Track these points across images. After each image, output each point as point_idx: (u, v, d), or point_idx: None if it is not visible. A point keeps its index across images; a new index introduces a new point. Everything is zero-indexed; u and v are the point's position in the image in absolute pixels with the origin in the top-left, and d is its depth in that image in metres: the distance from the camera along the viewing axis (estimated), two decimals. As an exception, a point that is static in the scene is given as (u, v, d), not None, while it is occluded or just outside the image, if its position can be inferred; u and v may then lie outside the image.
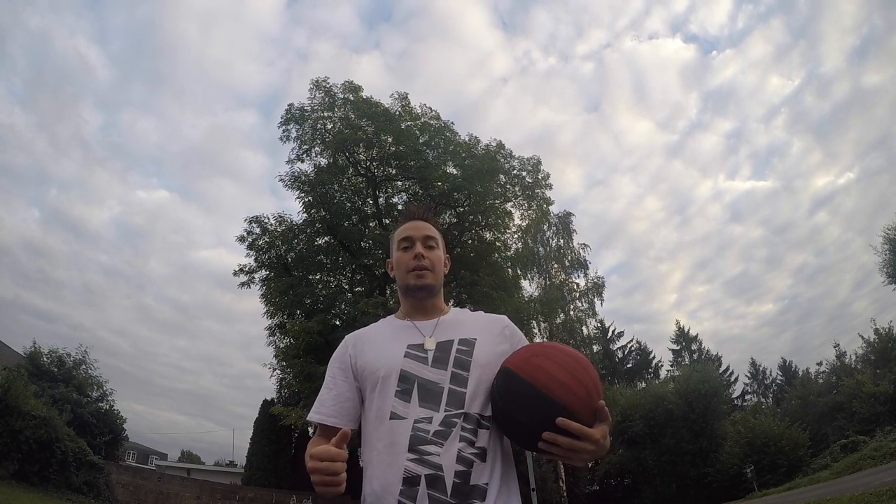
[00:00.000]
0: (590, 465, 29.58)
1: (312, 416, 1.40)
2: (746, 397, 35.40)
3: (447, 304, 1.53)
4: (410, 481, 1.19)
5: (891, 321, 22.92)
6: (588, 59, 64.67)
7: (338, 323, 18.25)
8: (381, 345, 1.40)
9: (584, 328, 25.95)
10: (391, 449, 1.24)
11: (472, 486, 1.20)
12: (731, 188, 64.26)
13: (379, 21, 70.79)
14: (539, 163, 20.59)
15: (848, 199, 58.55)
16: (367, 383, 1.35)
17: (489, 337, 1.40)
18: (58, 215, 69.66)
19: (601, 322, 32.89)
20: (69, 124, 70.20)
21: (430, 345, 1.35)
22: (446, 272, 1.53)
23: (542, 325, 24.23)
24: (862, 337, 23.81)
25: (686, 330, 37.70)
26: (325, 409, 1.38)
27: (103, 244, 72.12)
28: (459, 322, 1.43)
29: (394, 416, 1.26)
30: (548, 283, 25.57)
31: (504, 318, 1.51)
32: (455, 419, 1.24)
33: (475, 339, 1.38)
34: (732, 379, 34.95)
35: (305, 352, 16.59)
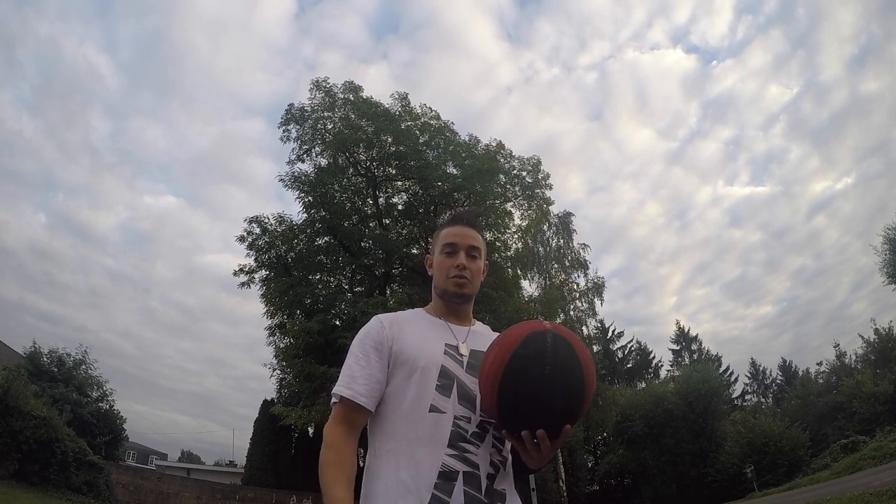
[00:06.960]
0: (589, 464, 29.58)
1: (342, 390, 1.30)
2: (746, 397, 35.49)
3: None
4: (448, 476, 1.19)
5: (891, 321, 22.86)
6: (591, 70, 65.26)
7: (338, 323, 18.20)
8: (420, 335, 1.38)
9: (584, 328, 25.81)
10: (431, 441, 1.22)
11: (496, 489, 1.24)
12: (730, 194, 64.98)
13: (386, 32, 71.43)
14: (539, 163, 20.56)
15: (846, 204, 58.84)
16: (402, 370, 1.32)
17: None
18: (65, 220, 69.94)
19: (601, 322, 32.91)
20: (78, 131, 70.41)
21: (465, 350, 1.38)
22: (483, 280, 1.55)
23: (542, 325, 24.10)
24: (862, 337, 23.82)
25: (686, 330, 37.75)
26: (357, 386, 1.30)
27: (110, 248, 72.41)
28: (486, 336, 1.46)
29: (434, 409, 1.26)
30: (548, 283, 25.45)
31: None
32: (488, 425, 1.28)
33: None
34: (732, 379, 35.03)
35: (305, 352, 16.55)
